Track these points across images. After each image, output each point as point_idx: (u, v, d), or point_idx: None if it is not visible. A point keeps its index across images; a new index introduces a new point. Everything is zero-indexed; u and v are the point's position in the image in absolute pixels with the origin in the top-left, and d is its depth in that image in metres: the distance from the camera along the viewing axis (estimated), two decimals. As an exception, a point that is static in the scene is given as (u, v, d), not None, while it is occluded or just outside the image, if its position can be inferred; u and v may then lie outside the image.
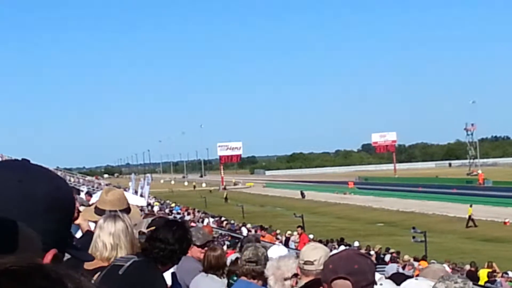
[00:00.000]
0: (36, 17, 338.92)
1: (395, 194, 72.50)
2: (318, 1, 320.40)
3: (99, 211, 4.76)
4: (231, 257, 7.40)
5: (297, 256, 4.25)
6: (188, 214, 48.82)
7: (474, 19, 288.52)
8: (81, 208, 5.29)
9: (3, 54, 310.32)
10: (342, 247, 26.00)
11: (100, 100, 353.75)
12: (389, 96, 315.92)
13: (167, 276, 4.06)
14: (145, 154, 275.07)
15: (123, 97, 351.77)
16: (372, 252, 26.72)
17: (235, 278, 5.54)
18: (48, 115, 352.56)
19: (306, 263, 3.84)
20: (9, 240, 1.11)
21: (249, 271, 4.81)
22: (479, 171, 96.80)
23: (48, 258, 1.21)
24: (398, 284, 4.15)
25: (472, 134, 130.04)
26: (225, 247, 16.83)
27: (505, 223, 44.06)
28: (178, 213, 48.46)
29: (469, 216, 44.45)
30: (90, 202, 8.01)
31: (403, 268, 20.34)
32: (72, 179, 65.86)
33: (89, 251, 3.95)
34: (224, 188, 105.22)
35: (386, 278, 5.90)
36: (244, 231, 35.15)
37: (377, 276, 3.61)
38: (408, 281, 3.78)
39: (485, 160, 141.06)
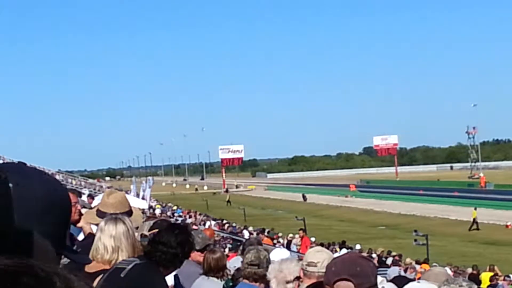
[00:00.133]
0: (37, 17, 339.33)
1: (397, 197, 72.49)
2: (320, 4, 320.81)
3: (101, 214, 4.76)
4: (234, 261, 7.40)
5: (299, 259, 4.25)
6: (190, 217, 48.81)
7: (476, 22, 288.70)
8: (83, 211, 5.29)
9: (4, 55, 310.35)
10: (344, 250, 26.00)
11: (101, 103, 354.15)
12: (391, 99, 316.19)
13: (169, 279, 4.06)
14: (147, 157, 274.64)
15: (124, 100, 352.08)
16: (374, 255, 26.70)
17: (230, 284, 5.54)
18: (49, 117, 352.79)
19: (309, 264, 3.85)
20: (24, 251, 1.11)
21: (251, 274, 4.81)
22: (481, 174, 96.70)
23: None
24: (400, 287, 4.15)
25: (473, 137, 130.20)
26: (226, 250, 16.85)
27: (506, 226, 44.04)
28: (180, 216, 48.47)
29: (474, 219, 44.47)
30: (92, 205, 8.01)
31: (405, 271, 20.30)
32: (74, 182, 65.95)
33: (90, 254, 3.96)
34: (226, 191, 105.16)
35: (388, 281, 5.90)
36: (246, 234, 35.15)
37: (379, 279, 3.61)
38: (410, 284, 3.77)
39: (486, 163, 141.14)
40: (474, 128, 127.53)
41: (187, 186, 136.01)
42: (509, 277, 22.73)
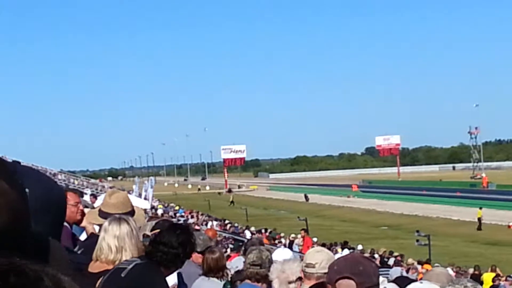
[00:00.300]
0: (37, 17, 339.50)
1: (399, 198, 72.49)
2: (320, 4, 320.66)
3: (103, 214, 4.76)
4: (236, 261, 7.40)
5: (302, 259, 4.26)
6: (192, 217, 48.84)
7: (478, 22, 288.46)
8: (86, 211, 5.29)
9: (4, 55, 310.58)
10: (346, 251, 26.00)
11: (103, 102, 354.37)
12: (393, 99, 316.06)
13: (172, 278, 4.07)
14: (149, 157, 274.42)
15: (127, 100, 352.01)
16: (376, 256, 26.68)
17: (228, 286, 5.55)
18: (50, 117, 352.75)
19: (308, 265, 3.86)
20: (41, 256, 1.11)
21: (253, 274, 4.82)
22: (483, 175, 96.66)
23: None
24: (402, 287, 4.15)
25: (476, 137, 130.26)
26: (228, 250, 16.84)
27: (509, 226, 44.01)
28: (182, 216, 48.50)
29: (479, 219, 44.52)
30: (95, 205, 8.02)
31: (407, 271, 20.29)
32: (76, 182, 65.97)
33: (94, 254, 3.97)
34: (229, 191, 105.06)
35: (390, 281, 5.91)
36: (248, 234, 35.14)
37: (380, 279, 3.62)
38: (412, 284, 3.77)
39: (489, 163, 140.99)
40: (476, 128, 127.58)
41: (189, 186, 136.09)
42: (511, 277, 22.70)
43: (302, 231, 30.83)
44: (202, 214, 52.98)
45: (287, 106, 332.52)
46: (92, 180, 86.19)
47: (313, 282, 3.80)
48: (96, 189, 54.24)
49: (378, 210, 61.75)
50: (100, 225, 4.50)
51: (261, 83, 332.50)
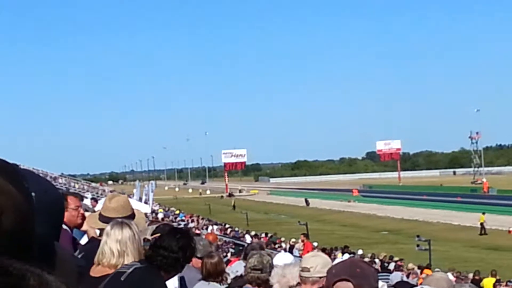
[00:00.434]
0: (37, 17, 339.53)
1: (400, 202, 72.41)
2: (320, 4, 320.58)
3: (103, 218, 4.77)
4: (236, 265, 7.39)
5: (301, 264, 4.26)
6: (192, 221, 48.84)
7: (479, 27, 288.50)
8: (87, 214, 5.30)
9: (4, 55, 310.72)
10: (346, 255, 25.98)
11: (104, 106, 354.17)
12: (394, 104, 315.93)
13: (172, 282, 4.07)
14: (150, 161, 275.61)
15: (127, 104, 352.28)
16: (376, 260, 26.66)
17: None
18: (51, 119, 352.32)
19: (303, 270, 3.86)
20: (47, 261, 1.11)
21: (254, 279, 4.82)
22: (484, 180, 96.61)
23: None
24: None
25: (476, 142, 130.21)
26: (229, 255, 16.84)
27: (509, 231, 43.97)
28: (182, 220, 48.51)
29: (482, 224, 44.50)
30: (96, 208, 8.03)
31: (407, 276, 20.27)
32: (76, 186, 66.03)
33: (96, 258, 3.98)
34: (230, 195, 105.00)
35: (390, 286, 5.91)
36: (248, 238, 35.14)
37: (380, 284, 3.62)
38: (413, 289, 3.78)
39: (489, 168, 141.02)
40: (477, 133, 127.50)
41: (190, 190, 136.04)
42: (511, 282, 22.69)
43: (303, 236, 30.83)
44: (202, 219, 53.01)
45: (288, 111, 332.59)
46: (93, 184, 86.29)
47: (308, 286, 3.80)
48: (97, 193, 54.24)
49: (378, 215, 61.73)
50: (100, 229, 4.51)
51: (262, 88, 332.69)
